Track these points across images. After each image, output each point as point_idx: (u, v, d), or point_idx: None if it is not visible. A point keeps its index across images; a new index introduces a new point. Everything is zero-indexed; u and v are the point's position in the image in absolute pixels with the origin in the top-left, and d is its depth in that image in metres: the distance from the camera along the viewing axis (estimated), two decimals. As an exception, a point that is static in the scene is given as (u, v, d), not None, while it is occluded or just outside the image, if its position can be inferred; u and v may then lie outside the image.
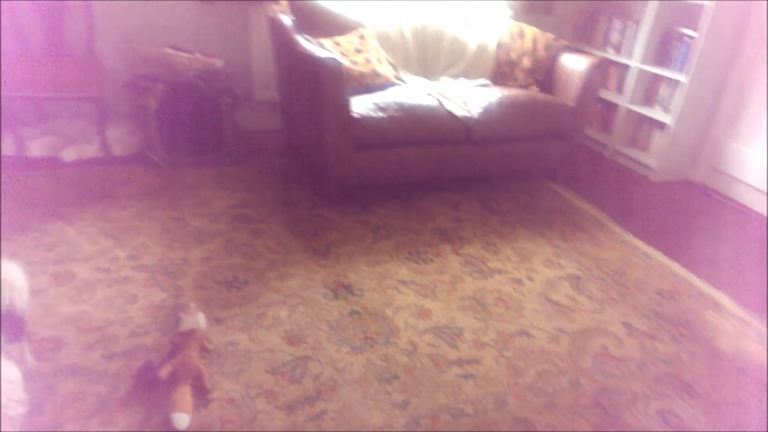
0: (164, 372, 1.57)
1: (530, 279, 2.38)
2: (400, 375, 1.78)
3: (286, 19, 3.07)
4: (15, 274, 1.51)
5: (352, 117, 2.62)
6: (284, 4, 3.30)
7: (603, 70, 3.18)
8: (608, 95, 3.98)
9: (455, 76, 3.36)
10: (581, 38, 4.33)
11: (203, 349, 1.74)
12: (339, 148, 2.67)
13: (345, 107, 2.59)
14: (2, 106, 2.83)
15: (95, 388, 1.58)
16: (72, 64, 2.96)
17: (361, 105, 2.69)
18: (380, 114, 2.69)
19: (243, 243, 2.41)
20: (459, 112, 2.89)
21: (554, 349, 1.97)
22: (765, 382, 1.92)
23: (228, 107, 3.06)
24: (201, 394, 1.60)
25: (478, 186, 3.21)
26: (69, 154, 2.96)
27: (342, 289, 2.17)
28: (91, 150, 3.01)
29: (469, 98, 3.01)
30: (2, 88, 2.72)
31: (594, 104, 3.38)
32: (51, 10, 2.98)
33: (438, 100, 2.90)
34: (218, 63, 3.14)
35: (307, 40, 2.82)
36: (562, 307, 2.22)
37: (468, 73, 3.39)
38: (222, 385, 1.65)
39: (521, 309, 2.18)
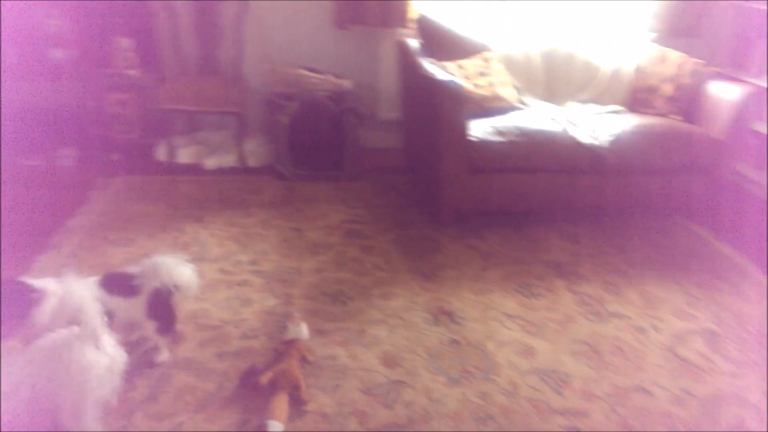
0: (265, 379, 1.66)
1: (655, 329, 2.14)
2: (496, 416, 1.69)
3: (414, 43, 3.14)
4: (189, 273, 1.75)
5: (469, 140, 2.58)
6: (413, 28, 3.38)
7: (759, 100, 2.80)
8: (764, 128, 3.48)
9: (584, 102, 3.17)
10: (734, 64, 3.85)
11: (304, 360, 1.81)
12: (454, 171, 2.64)
13: (462, 130, 2.57)
14: (162, 117, 3.22)
15: (205, 385, 1.71)
16: (221, 82, 3.29)
17: (479, 128, 2.64)
18: (499, 138, 2.62)
19: (353, 258, 2.47)
20: (586, 139, 2.71)
21: (678, 413, 1.75)
22: None
23: (352, 126, 3.19)
24: (297, 404, 1.65)
25: (603, 219, 2.97)
26: (211, 163, 3.28)
27: (443, 316, 2.13)
28: (229, 160, 3.31)
29: (599, 125, 2.81)
30: (162, 101, 3.10)
31: (746, 137, 2.98)
32: (209, 35, 3.35)
33: (563, 125, 2.75)
34: (347, 84, 3.30)
35: (431, 62, 2.84)
36: (691, 366, 1.96)
37: (599, 99, 3.18)
38: (318, 398, 1.70)
39: (642, 362, 1.96)
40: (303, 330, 1.88)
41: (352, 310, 2.12)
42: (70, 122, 3.33)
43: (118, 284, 1.67)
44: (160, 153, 3.30)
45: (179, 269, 1.72)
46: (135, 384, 1.68)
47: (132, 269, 1.74)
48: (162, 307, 1.74)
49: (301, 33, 3.50)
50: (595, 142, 2.72)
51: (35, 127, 3.27)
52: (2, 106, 3.26)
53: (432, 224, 2.81)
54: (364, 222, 2.80)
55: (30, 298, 1.47)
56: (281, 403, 1.61)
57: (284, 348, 1.80)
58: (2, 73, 3.09)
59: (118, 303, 1.64)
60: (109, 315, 1.54)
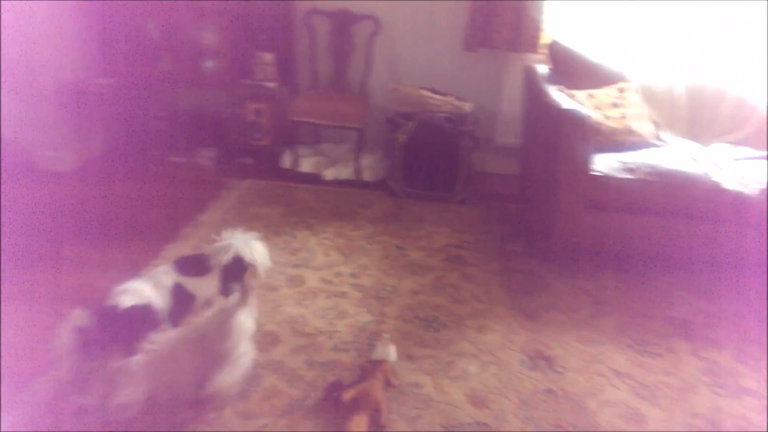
0: (347, 396, 1.66)
1: (800, 417, 1.81)
2: (586, 483, 1.53)
3: (542, 69, 3.02)
4: (260, 248, 1.85)
5: (592, 174, 2.40)
6: (543, 54, 3.25)
7: None
8: None
9: (734, 144, 2.81)
10: None
11: (388, 383, 1.78)
12: (570, 205, 2.47)
13: (584, 162, 2.40)
14: (291, 127, 3.43)
15: (291, 391, 1.76)
16: (348, 98, 3.43)
17: (604, 162, 2.45)
18: (626, 175, 2.41)
19: (451, 284, 2.41)
20: (731, 185, 2.39)
21: None
22: None
23: (467, 148, 3.14)
24: (376, 427, 1.63)
25: (745, 278, 2.59)
26: (329, 174, 3.42)
27: (542, 361, 1.99)
28: (346, 173, 3.42)
29: (749, 171, 2.47)
30: (293, 113, 3.30)
31: None
32: (342, 53, 3.51)
33: (705, 168, 2.46)
34: (468, 107, 3.26)
35: (557, 90, 2.71)
36: None
37: (752, 142, 2.79)
38: (396, 425, 1.66)
39: (776, 454, 1.66)
40: (391, 352, 1.86)
41: (443, 339, 2.06)
42: (212, 126, 3.67)
43: (191, 266, 1.79)
44: (285, 161, 3.51)
45: (251, 244, 1.81)
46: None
47: (204, 250, 1.83)
48: (237, 276, 1.79)
49: (428, 54, 3.53)
50: (743, 190, 2.39)
51: (183, 128, 3.65)
52: (158, 108, 3.70)
53: (541, 259, 2.66)
54: (469, 248, 2.72)
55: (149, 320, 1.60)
56: (360, 423, 1.60)
57: (370, 367, 1.79)
58: (160, 78, 3.50)
59: (194, 283, 1.76)
60: (190, 296, 1.66)
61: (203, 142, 3.64)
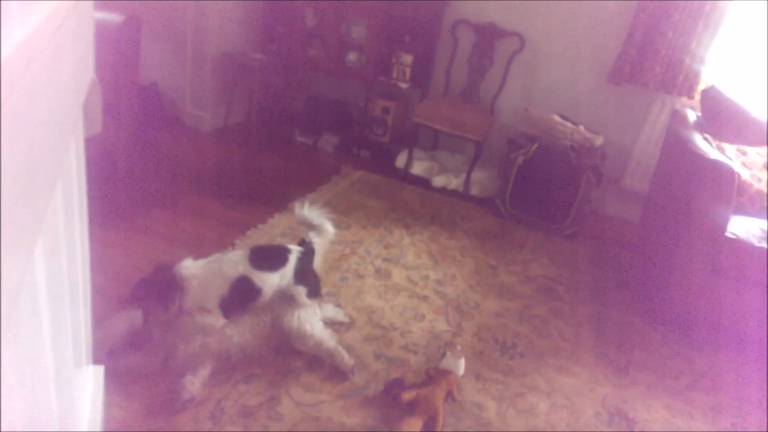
0: (407, 397, 1.64)
1: None
2: None
3: (692, 115, 2.78)
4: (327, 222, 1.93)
5: (725, 236, 2.15)
6: (696, 100, 2.99)
7: None
8: None
9: None
10: None
11: (450, 395, 1.73)
12: (693, 265, 2.24)
13: (720, 222, 2.16)
14: (412, 129, 3.49)
15: (355, 376, 1.77)
16: (474, 110, 3.40)
17: (743, 226, 2.19)
18: (765, 245, 2.13)
19: (538, 316, 2.29)
20: None
21: None
22: None
23: (588, 184, 2.96)
24: (427, 434, 1.60)
25: None
26: (438, 181, 3.42)
27: (621, 419, 1.82)
28: (455, 183, 3.40)
29: None
30: (418, 116, 3.35)
31: None
32: (479, 66, 3.49)
33: None
34: (598, 140, 3.09)
35: (705, 139, 2.47)
36: None
37: None
38: (448, 438, 1.61)
39: None
40: (460, 365, 1.81)
41: (518, 368, 1.96)
42: (340, 115, 3.84)
43: (265, 258, 1.75)
44: (400, 160, 3.57)
45: (321, 218, 1.93)
46: (299, 352, 1.83)
47: (284, 246, 1.85)
48: (307, 272, 1.82)
49: (567, 79, 3.40)
50: None
51: (314, 112, 3.87)
52: (298, 90, 3.95)
53: (644, 315, 2.43)
54: (566, 284, 2.57)
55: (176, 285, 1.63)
56: (413, 426, 1.57)
57: (436, 375, 1.75)
58: (306, 63, 3.73)
59: (265, 277, 1.72)
60: (257, 289, 1.70)
61: (329, 128, 3.82)
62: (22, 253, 0.42)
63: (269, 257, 1.77)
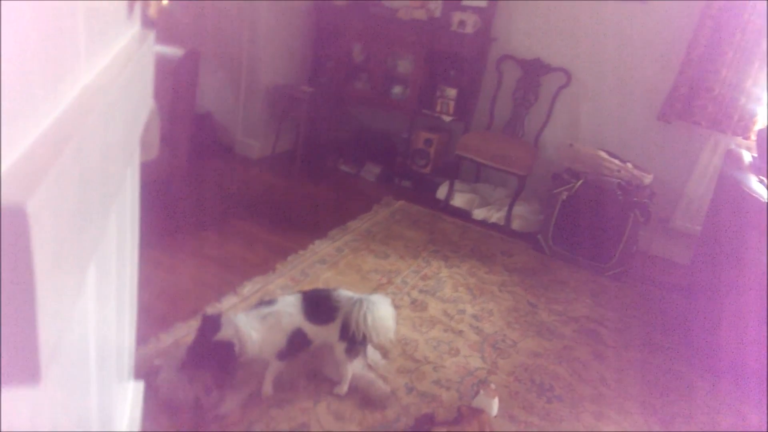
0: None
1: None
2: None
3: (747, 155, 2.68)
4: (388, 313, 1.75)
5: (782, 286, 2.04)
6: (752, 140, 2.89)
7: None
8: None
9: None
10: None
11: (482, 435, 1.70)
12: (745, 314, 2.12)
13: (776, 271, 2.05)
14: (454, 161, 3.51)
15: (383, 408, 1.76)
16: (518, 145, 3.40)
17: (802, 276, 2.06)
18: (829, 298, 2.00)
19: (579, 358, 2.22)
20: None
21: None
22: None
23: (635, 222, 2.88)
24: (456, 473, 1.56)
25: None
26: (478, 213, 3.41)
27: (664, 475, 1.72)
28: (496, 216, 3.38)
29: None
30: (460, 148, 3.37)
31: None
32: (524, 101, 3.50)
33: None
34: (647, 179, 3.01)
35: (760, 182, 2.36)
36: None
37: None
38: (478, 480, 1.57)
39: None
40: (494, 405, 1.76)
41: (554, 412, 1.90)
42: (383, 146, 3.91)
43: (317, 309, 1.74)
44: (441, 192, 3.59)
45: (380, 314, 1.71)
46: (332, 377, 1.84)
47: (334, 293, 1.80)
48: (352, 331, 1.74)
49: (614, 116, 3.35)
50: None
51: (358, 143, 3.96)
52: (343, 121, 4.06)
53: (693, 364, 2.31)
54: (609, 327, 2.48)
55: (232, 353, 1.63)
56: (441, 464, 1.54)
57: (468, 413, 1.72)
58: (352, 95, 3.84)
59: (317, 330, 1.74)
60: (307, 341, 1.73)
61: (372, 158, 3.89)
62: (77, 274, 0.45)
63: (321, 310, 1.75)
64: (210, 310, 2.07)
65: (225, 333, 1.61)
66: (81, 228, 0.42)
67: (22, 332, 0.32)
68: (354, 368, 1.80)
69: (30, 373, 0.33)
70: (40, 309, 0.32)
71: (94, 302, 0.67)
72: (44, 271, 0.33)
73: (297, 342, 1.72)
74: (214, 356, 1.60)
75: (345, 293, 1.80)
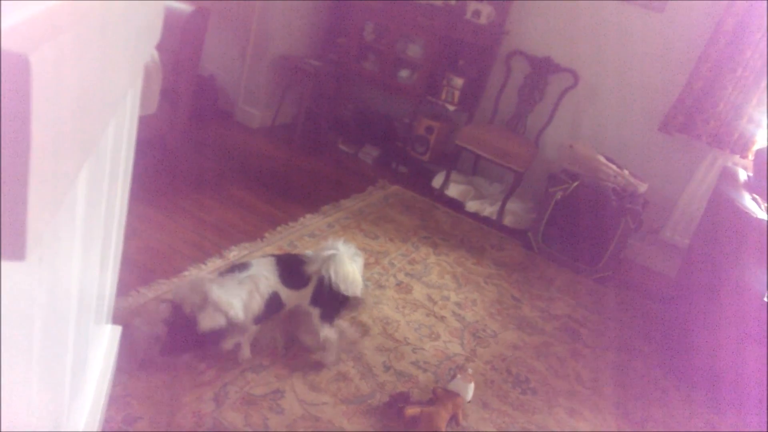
0: (410, 412, 1.61)
1: None
2: None
3: (742, 174, 2.69)
4: (353, 272, 1.87)
5: (763, 301, 2.06)
6: (749, 159, 2.91)
7: None
8: None
9: None
10: None
11: (454, 418, 1.70)
12: (723, 327, 2.14)
13: (760, 285, 2.06)
14: (453, 151, 3.50)
15: (360, 383, 1.76)
16: (520, 141, 3.39)
17: (785, 295, 2.08)
18: (809, 319, 2.02)
19: (557, 354, 2.23)
20: None
21: None
22: None
23: (626, 229, 2.89)
24: (425, 452, 1.56)
25: None
26: (471, 206, 3.40)
27: (628, 475, 1.74)
28: (489, 210, 3.37)
29: None
30: (461, 139, 3.36)
31: None
32: (529, 98, 3.49)
33: None
34: (642, 187, 3.02)
35: (754, 200, 2.38)
36: None
37: None
38: (446, 461, 1.57)
39: None
40: (469, 390, 1.77)
41: (528, 404, 1.91)
42: (384, 128, 3.89)
43: (292, 274, 1.78)
44: (436, 180, 3.58)
45: (345, 267, 1.83)
46: (310, 351, 1.83)
47: (306, 255, 1.88)
48: (325, 296, 1.82)
49: (616, 122, 3.35)
50: None
51: (359, 123, 3.92)
52: (347, 99, 4.02)
53: (668, 371, 2.34)
54: (590, 328, 2.50)
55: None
56: (411, 441, 1.54)
57: (442, 395, 1.72)
58: (360, 74, 3.81)
59: (291, 294, 1.78)
60: (281, 304, 1.75)
61: (371, 140, 3.86)
62: (70, 166, 0.43)
63: (294, 274, 1.80)
64: (194, 270, 2.06)
65: (210, 320, 1.56)
66: (79, 119, 0.41)
67: (15, 198, 0.30)
68: (331, 334, 1.80)
69: (17, 248, 0.32)
70: (32, 179, 0.31)
71: (83, 216, 0.65)
72: (41, 145, 0.31)
73: (272, 306, 1.73)
74: (200, 343, 1.60)
75: (314, 253, 1.87)
